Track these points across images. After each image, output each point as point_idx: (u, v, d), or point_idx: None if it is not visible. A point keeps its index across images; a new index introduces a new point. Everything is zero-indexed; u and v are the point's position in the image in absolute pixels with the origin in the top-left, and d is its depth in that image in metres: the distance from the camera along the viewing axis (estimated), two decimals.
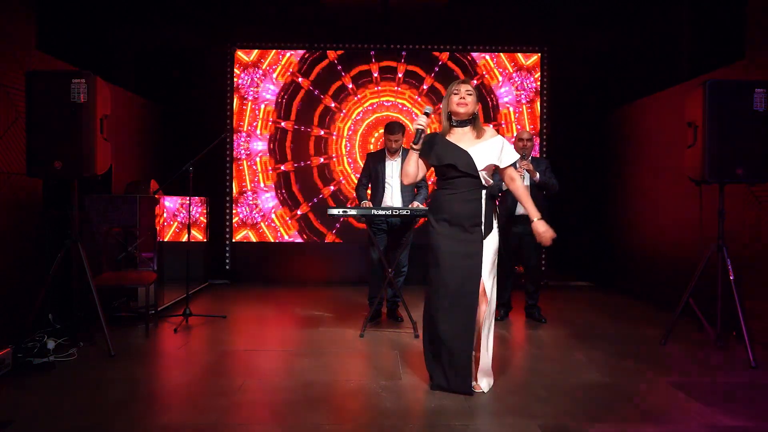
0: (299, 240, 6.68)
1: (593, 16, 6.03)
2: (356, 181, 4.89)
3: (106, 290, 4.25)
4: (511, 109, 6.75)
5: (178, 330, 4.30)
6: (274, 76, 6.68)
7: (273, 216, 6.67)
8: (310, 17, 6.36)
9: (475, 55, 6.73)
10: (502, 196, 4.57)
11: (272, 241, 6.66)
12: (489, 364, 2.99)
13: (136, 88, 6.16)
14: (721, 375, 3.33)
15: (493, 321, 3.00)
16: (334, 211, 4.11)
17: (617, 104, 6.50)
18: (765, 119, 3.58)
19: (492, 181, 3.01)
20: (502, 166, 2.96)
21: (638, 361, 3.56)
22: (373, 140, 6.72)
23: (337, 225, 6.66)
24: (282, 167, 6.69)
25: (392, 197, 4.56)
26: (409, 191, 4.55)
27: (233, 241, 6.65)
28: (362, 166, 4.82)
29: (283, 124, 6.67)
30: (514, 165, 3.03)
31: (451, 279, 2.88)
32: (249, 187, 6.66)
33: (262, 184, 6.67)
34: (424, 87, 6.71)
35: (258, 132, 6.68)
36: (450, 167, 2.92)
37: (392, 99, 6.74)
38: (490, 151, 2.91)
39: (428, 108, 3.02)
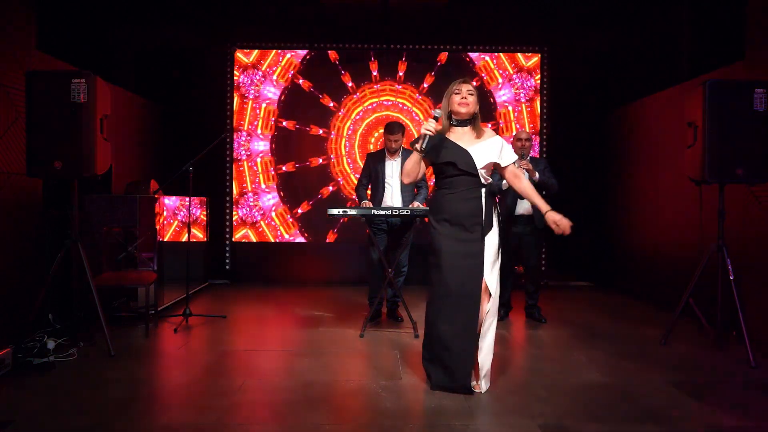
0: (299, 240, 6.68)
1: (593, 16, 6.02)
2: (356, 181, 4.88)
3: (106, 290, 4.25)
4: (510, 108, 6.75)
5: (178, 330, 4.31)
6: (274, 77, 6.67)
7: (273, 214, 6.67)
8: (310, 17, 6.36)
9: (474, 56, 6.72)
10: (502, 196, 4.57)
11: (272, 240, 6.67)
12: (489, 363, 2.98)
13: (136, 88, 6.16)
14: (721, 375, 3.34)
15: (496, 319, 2.98)
16: (334, 211, 4.10)
17: (617, 104, 6.50)
18: (765, 119, 3.58)
19: (491, 180, 3.01)
20: (503, 164, 2.97)
21: (638, 361, 3.56)
22: (372, 140, 6.72)
23: (338, 225, 6.66)
24: (283, 168, 6.69)
25: (392, 197, 4.56)
26: (410, 191, 4.55)
27: (233, 241, 6.65)
28: (362, 166, 4.82)
29: (284, 123, 6.67)
30: (514, 164, 3.03)
31: (451, 279, 2.88)
32: (250, 189, 6.66)
33: (263, 185, 6.67)
34: (425, 85, 6.70)
35: (259, 132, 6.67)
36: (449, 165, 2.92)
37: (392, 98, 6.73)
38: (489, 150, 2.92)
39: (437, 111, 2.95)
